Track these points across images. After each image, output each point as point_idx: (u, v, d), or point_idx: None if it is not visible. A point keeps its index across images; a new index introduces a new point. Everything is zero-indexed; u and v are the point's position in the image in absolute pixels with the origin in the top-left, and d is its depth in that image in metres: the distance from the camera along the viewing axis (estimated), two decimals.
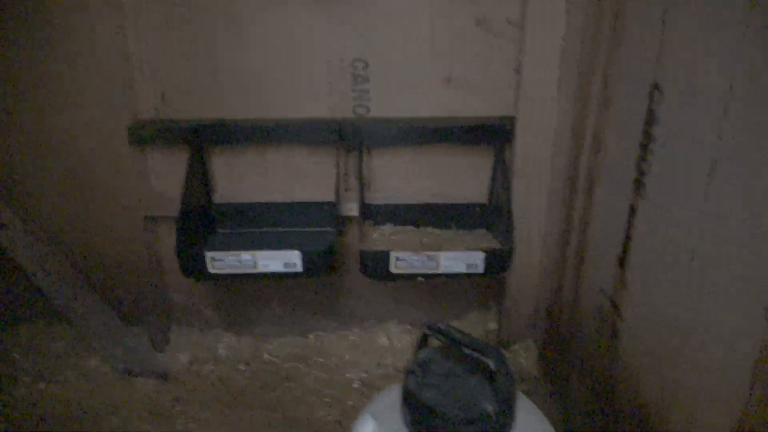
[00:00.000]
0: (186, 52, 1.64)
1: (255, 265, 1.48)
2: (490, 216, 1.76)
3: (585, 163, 1.42)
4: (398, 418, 0.85)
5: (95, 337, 1.80)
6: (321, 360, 1.88)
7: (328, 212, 1.68)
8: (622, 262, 1.22)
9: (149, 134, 1.66)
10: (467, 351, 0.81)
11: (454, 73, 1.67)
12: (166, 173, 1.74)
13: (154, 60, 1.65)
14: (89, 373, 1.79)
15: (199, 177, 1.67)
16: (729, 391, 0.84)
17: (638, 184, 1.14)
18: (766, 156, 0.76)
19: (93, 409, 1.68)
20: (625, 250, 1.20)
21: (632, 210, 1.18)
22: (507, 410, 0.78)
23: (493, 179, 1.74)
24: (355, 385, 1.76)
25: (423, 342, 0.89)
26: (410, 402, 0.82)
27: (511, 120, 1.64)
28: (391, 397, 0.90)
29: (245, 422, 1.66)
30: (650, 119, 1.08)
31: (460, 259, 1.50)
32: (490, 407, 0.77)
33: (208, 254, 1.47)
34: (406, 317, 1.95)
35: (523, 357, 1.83)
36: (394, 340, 1.89)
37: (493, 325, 1.92)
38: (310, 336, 1.96)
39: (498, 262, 1.52)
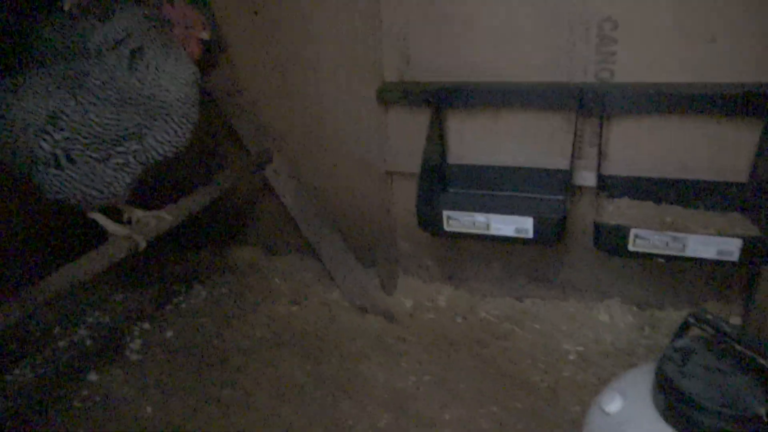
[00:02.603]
0: (428, 18, 1.72)
1: (488, 227, 1.54)
2: (749, 198, 1.56)
3: None
4: (648, 401, 0.85)
5: (337, 273, 2.08)
6: (536, 326, 1.91)
7: (561, 180, 1.66)
8: None
9: (395, 96, 1.80)
10: (736, 347, 0.77)
11: (718, 32, 1.48)
12: (406, 132, 1.87)
13: (401, 26, 1.76)
14: (330, 303, 2.08)
15: (437, 137, 1.77)
16: None
17: None
18: None
19: (332, 333, 1.96)
20: None
21: None
22: None
23: (759, 155, 1.53)
24: (571, 357, 1.76)
25: (682, 330, 0.86)
26: (666, 388, 0.80)
27: None
28: (637, 378, 0.89)
29: (462, 370, 1.78)
30: None
31: (710, 243, 1.37)
32: (762, 409, 0.73)
33: (445, 213, 1.57)
34: (629, 296, 1.86)
35: None
36: (616, 318, 1.83)
37: (735, 320, 1.73)
38: (527, 301, 1.99)
39: (758, 252, 1.35)
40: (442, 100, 1.74)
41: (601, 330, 1.82)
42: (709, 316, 0.81)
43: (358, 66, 1.82)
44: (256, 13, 1.88)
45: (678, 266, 1.74)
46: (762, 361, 0.74)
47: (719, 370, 0.81)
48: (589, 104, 1.61)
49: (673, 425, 0.80)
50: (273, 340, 1.94)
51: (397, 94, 1.81)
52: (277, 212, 2.16)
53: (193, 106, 1.45)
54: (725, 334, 0.78)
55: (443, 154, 1.84)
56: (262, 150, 2.00)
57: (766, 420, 0.73)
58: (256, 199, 2.24)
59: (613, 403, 0.88)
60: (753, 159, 1.55)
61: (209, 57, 1.83)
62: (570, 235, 1.83)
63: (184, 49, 1.45)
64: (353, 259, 2.08)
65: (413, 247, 2.07)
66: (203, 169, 2.11)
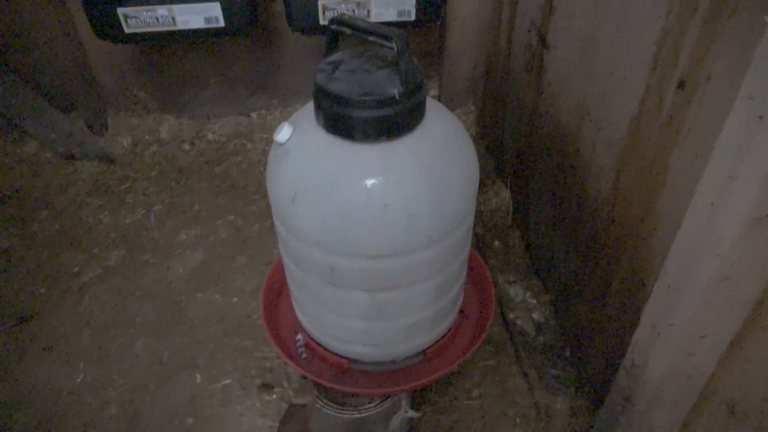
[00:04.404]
0: None
1: (174, 22, 1.39)
2: None
3: None
4: (312, 121, 0.87)
5: (30, 122, 1.75)
6: (265, 136, 1.89)
7: None
8: None
9: None
10: (372, 39, 0.80)
11: None
12: None
13: None
14: (29, 158, 1.78)
15: None
16: (630, 94, 0.87)
17: None
18: None
19: (40, 189, 1.70)
20: None
21: None
22: (411, 93, 0.79)
23: None
24: None
25: (332, 42, 0.87)
26: (320, 97, 0.82)
27: None
28: (307, 110, 0.91)
29: (194, 192, 1.71)
30: None
31: (390, 5, 1.43)
32: (394, 90, 0.78)
33: (121, 10, 1.36)
34: None
35: (464, 119, 1.86)
36: None
37: (434, 92, 1.92)
38: (253, 115, 1.94)
39: (430, 8, 1.46)
40: None
41: None
42: (346, 16, 0.82)
43: None
44: None
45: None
46: (391, 45, 0.78)
47: (364, 71, 0.84)
48: None
49: (331, 131, 0.83)
50: None
51: None
52: None
53: None
54: (358, 28, 0.81)
55: None
56: None
57: (398, 98, 0.78)
58: None
59: (281, 133, 0.89)
60: None
61: None
62: (282, 41, 1.77)
63: None
64: (44, 103, 1.77)
65: (118, 80, 1.83)
66: None
